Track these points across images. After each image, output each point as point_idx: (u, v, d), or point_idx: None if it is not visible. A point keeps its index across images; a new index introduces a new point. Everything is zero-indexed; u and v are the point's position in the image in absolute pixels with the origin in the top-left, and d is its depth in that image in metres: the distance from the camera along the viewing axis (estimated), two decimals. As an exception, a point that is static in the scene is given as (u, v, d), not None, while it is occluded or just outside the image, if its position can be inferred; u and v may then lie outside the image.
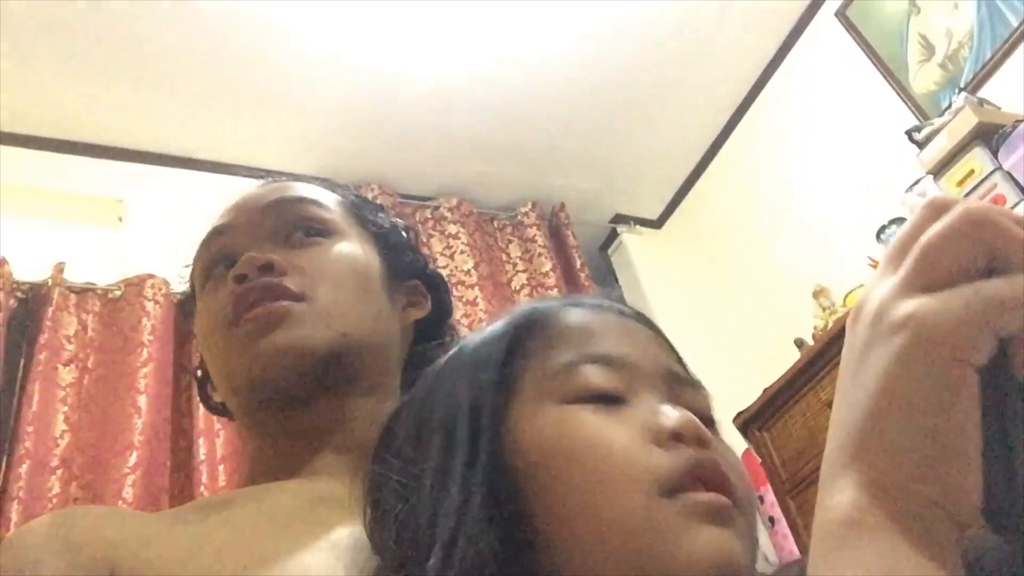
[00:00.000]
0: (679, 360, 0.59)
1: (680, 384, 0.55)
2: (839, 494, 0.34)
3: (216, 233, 0.82)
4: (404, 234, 0.90)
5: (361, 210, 0.87)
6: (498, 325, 0.60)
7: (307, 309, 0.74)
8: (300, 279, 0.75)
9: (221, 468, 2.27)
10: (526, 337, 0.56)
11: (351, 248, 0.81)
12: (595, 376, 0.52)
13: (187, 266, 0.88)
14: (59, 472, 2.14)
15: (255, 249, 0.77)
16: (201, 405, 2.26)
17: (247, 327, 0.73)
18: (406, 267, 0.86)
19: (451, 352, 0.60)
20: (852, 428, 0.35)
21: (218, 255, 0.81)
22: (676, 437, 0.49)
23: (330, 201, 0.85)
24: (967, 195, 2.27)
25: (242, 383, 0.74)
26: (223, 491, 2.16)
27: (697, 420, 0.50)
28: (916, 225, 0.37)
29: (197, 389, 0.88)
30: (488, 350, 0.57)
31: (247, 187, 0.88)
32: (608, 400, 0.51)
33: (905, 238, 0.37)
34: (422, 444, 0.54)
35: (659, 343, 0.58)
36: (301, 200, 0.83)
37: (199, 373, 0.87)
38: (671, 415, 0.50)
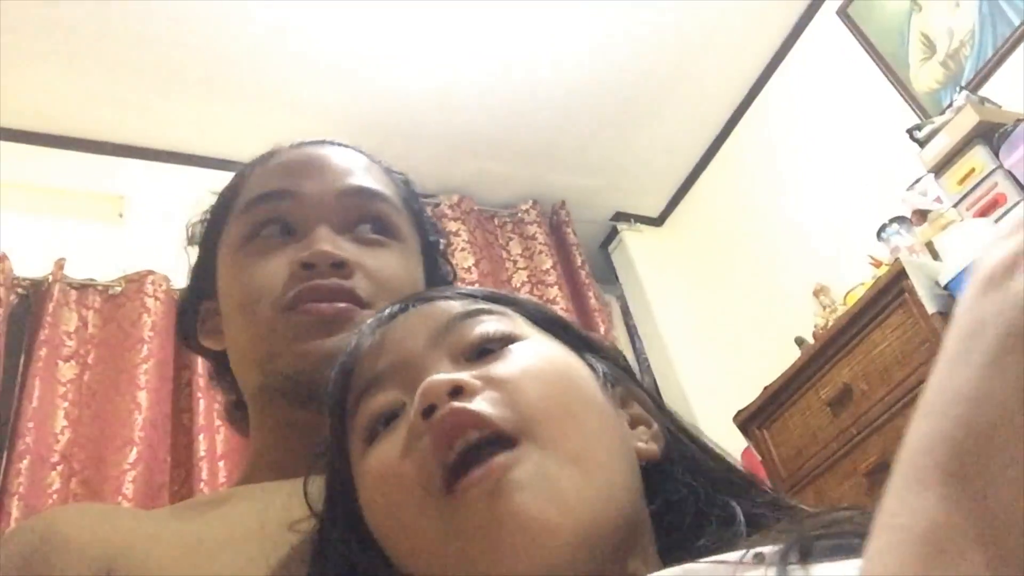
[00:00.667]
0: (462, 300, 0.57)
1: (453, 328, 0.54)
2: (932, 503, 0.27)
3: (281, 194, 0.77)
4: (442, 243, 0.89)
5: (420, 216, 0.86)
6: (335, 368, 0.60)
7: (368, 317, 0.71)
8: (367, 284, 0.73)
9: (221, 464, 2.27)
10: (345, 384, 0.57)
11: (411, 260, 0.80)
12: (372, 405, 0.53)
13: (215, 192, 0.85)
14: (59, 468, 2.14)
15: (323, 232, 0.74)
16: (202, 399, 2.22)
17: (306, 319, 0.70)
18: (440, 279, 0.86)
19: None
20: (968, 432, 0.27)
21: (276, 217, 0.77)
22: (429, 411, 0.47)
23: (399, 201, 0.83)
24: (967, 194, 2.28)
25: (281, 371, 0.71)
26: (223, 487, 2.17)
27: (435, 380, 0.48)
28: None
29: (178, 318, 0.86)
30: (328, 401, 0.58)
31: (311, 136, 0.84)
32: (390, 416, 0.52)
33: None
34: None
35: (425, 315, 0.56)
36: (380, 196, 0.80)
37: (191, 310, 0.84)
38: (414, 404, 0.49)
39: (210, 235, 0.83)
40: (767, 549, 0.39)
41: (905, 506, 0.28)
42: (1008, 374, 0.26)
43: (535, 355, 0.52)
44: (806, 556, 0.38)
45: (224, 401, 0.84)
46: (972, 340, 0.28)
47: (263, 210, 0.77)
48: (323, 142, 0.85)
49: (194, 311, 0.83)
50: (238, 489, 0.72)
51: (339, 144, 0.85)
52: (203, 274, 0.83)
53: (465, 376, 0.48)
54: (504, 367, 0.50)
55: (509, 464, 0.45)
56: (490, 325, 0.54)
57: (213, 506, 0.67)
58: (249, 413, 0.78)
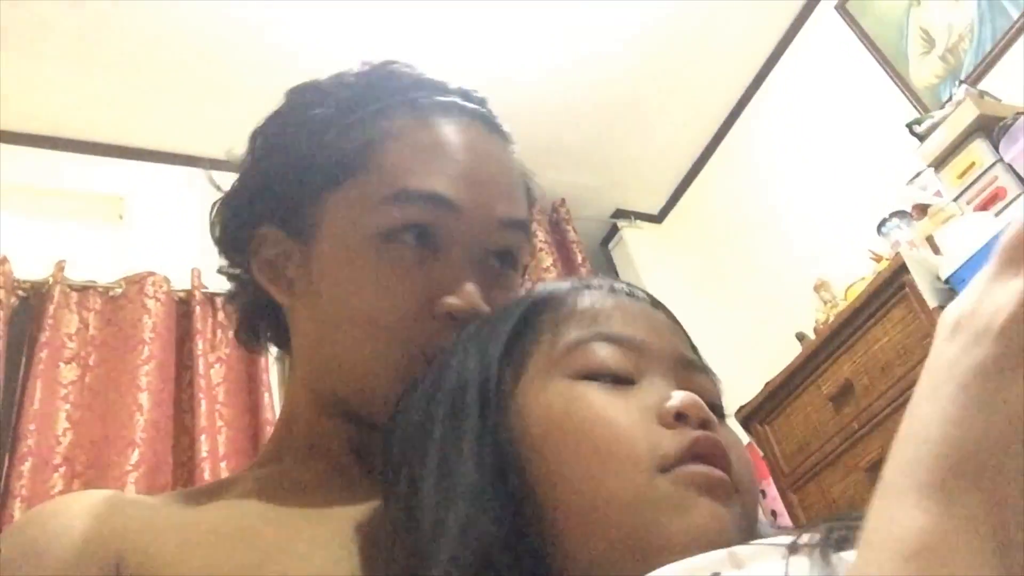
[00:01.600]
0: (691, 345, 0.60)
1: (690, 369, 0.56)
2: (918, 513, 0.31)
3: (442, 203, 0.67)
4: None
5: (530, 243, 0.82)
6: (511, 303, 0.62)
7: None
8: None
9: (223, 465, 2.28)
10: (538, 314, 0.58)
11: (519, 289, 0.76)
12: (605, 355, 0.53)
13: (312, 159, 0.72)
14: (61, 470, 2.14)
15: (472, 281, 0.66)
16: (203, 400, 2.18)
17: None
18: None
19: (463, 330, 0.61)
20: (953, 447, 0.31)
21: (424, 226, 0.67)
22: (680, 418, 0.50)
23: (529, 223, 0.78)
24: (968, 188, 2.27)
25: (376, 414, 0.64)
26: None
27: (703, 404, 0.51)
28: None
29: (228, 222, 0.76)
30: (500, 325, 0.58)
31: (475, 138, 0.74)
32: (617, 380, 0.52)
33: None
34: (430, 418, 0.55)
35: (671, 328, 0.59)
36: (525, 229, 0.75)
37: (246, 224, 0.74)
38: (676, 396, 0.51)
39: (309, 168, 0.72)
40: (802, 539, 0.41)
41: (893, 520, 0.32)
42: (981, 399, 0.31)
43: (744, 447, 0.56)
44: (842, 544, 0.40)
45: (237, 319, 0.78)
46: (943, 374, 0.33)
47: (414, 212, 0.67)
48: (484, 118, 0.77)
49: (250, 226, 0.74)
50: (255, 472, 0.69)
51: (497, 131, 0.78)
52: (273, 199, 0.73)
53: (715, 419, 0.52)
54: (732, 440, 0.53)
55: (734, 489, 0.50)
56: (717, 393, 0.57)
57: (226, 491, 0.66)
58: (291, 390, 0.75)
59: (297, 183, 0.72)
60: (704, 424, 0.50)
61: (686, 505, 0.46)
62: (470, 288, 0.66)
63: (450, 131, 0.72)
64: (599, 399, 0.51)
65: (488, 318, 0.62)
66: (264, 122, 0.78)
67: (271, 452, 0.73)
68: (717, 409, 0.55)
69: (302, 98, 0.78)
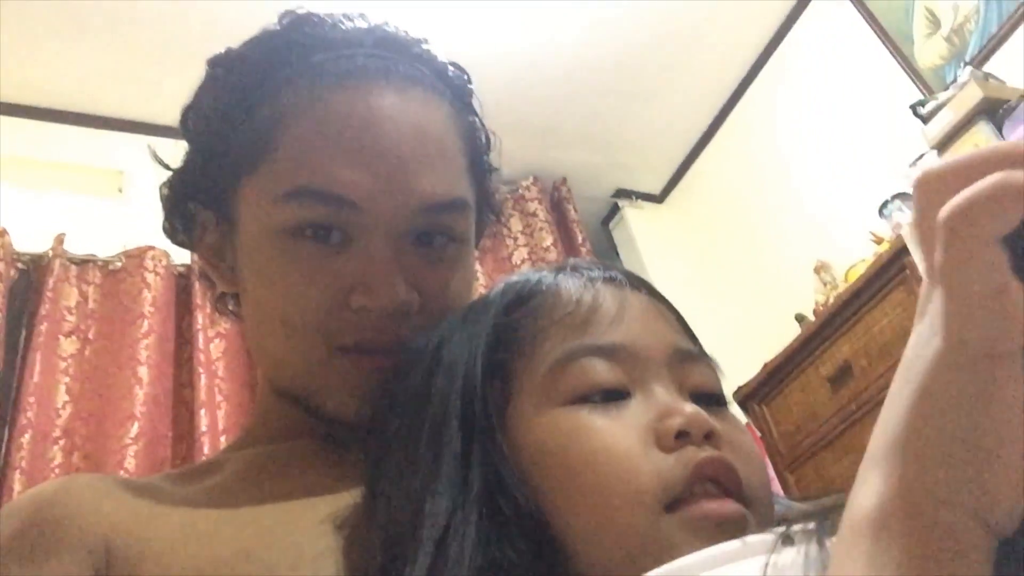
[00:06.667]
0: (684, 328, 0.57)
1: (686, 361, 0.54)
2: (867, 490, 0.32)
3: (343, 202, 0.62)
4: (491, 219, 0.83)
5: (484, 195, 0.76)
6: (488, 300, 0.58)
7: None
8: (426, 319, 0.63)
9: (223, 439, 2.28)
10: (516, 312, 0.55)
11: (471, 259, 0.71)
12: (594, 372, 0.51)
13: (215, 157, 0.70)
14: (61, 442, 2.15)
15: (394, 277, 0.62)
16: (203, 374, 2.19)
17: (360, 370, 0.62)
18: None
19: (447, 323, 0.59)
20: (894, 423, 0.32)
21: (321, 223, 0.63)
22: (681, 435, 0.48)
23: (471, 194, 0.70)
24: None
25: (327, 412, 0.64)
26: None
27: (704, 415, 0.49)
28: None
29: (166, 210, 0.75)
30: (477, 327, 0.55)
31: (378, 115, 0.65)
32: (609, 395, 0.50)
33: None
34: (415, 433, 0.53)
35: (662, 316, 0.56)
36: (458, 206, 0.67)
37: (181, 208, 0.73)
38: (675, 415, 0.48)
39: (226, 149, 0.70)
40: (795, 530, 0.40)
41: (854, 494, 0.34)
42: (919, 385, 0.32)
43: (749, 436, 0.53)
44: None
45: (213, 293, 0.76)
46: (908, 351, 0.34)
47: (312, 212, 0.63)
48: (407, 74, 0.69)
49: (186, 209, 0.73)
50: (242, 454, 0.69)
51: (420, 84, 0.70)
52: (204, 181, 0.72)
53: (716, 425, 0.49)
54: (736, 437, 0.51)
55: (746, 517, 0.47)
56: (715, 380, 0.55)
57: (214, 473, 0.65)
58: (259, 384, 0.74)
59: (218, 166, 0.70)
60: (708, 438, 0.48)
61: (696, 548, 0.44)
62: (383, 281, 0.62)
63: (353, 105, 0.65)
64: (593, 428, 0.49)
65: (465, 316, 0.58)
66: (191, 97, 0.75)
67: (250, 434, 0.73)
68: (716, 397, 0.54)
69: (215, 70, 0.74)
